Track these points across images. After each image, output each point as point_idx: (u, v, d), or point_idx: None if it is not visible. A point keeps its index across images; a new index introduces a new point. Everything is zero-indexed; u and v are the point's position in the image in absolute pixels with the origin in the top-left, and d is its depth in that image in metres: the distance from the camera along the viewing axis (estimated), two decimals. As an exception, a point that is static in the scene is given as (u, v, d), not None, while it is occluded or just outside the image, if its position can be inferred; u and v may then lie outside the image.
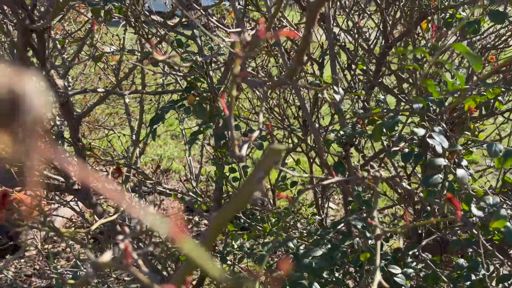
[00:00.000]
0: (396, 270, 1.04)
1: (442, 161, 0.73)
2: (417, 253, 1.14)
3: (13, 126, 0.13)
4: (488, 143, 0.69)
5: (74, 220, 2.80)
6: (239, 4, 1.27)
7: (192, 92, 1.19)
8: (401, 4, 1.50)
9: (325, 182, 0.58)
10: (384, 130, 0.87)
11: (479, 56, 0.70)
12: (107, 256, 0.42)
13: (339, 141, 1.13)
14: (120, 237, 0.49)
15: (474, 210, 0.72)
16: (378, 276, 0.53)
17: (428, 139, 0.73)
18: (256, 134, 0.65)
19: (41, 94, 0.13)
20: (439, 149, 0.70)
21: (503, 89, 0.81)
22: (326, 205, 1.84)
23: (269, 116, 1.98)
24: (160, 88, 2.40)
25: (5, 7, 0.95)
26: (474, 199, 0.81)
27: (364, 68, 1.61)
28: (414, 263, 1.19)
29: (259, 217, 1.54)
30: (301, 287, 0.98)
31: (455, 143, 0.75)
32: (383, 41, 1.65)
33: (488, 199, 0.71)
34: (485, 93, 0.93)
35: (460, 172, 0.73)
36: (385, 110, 1.07)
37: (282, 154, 0.44)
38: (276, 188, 1.88)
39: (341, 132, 1.12)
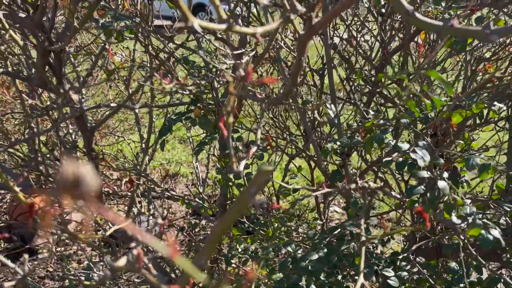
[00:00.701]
0: (389, 273, 1.10)
1: (424, 174, 0.80)
2: (410, 257, 1.20)
3: (76, 194, 0.22)
4: (467, 156, 0.75)
5: (85, 224, 2.89)
6: (241, 21, 1.34)
7: (198, 105, 1.27)
8: (396, 18, 1.56)
9: (313, 194, 0.65)
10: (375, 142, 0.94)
11: (450, 82, 0.77)
12: (123, 261, 0.49)
13: (335, 151, 1.20)
14: (133, 244, 0.57)
15: (454, 218, 0.78)
16: (361, 279, 0.59)
17: (411, 154, 0.79)
18: (254, 149, 0.72)
19: (92, 176, 0.22)
20: (421, 163, 0.77)
21: (486, 105, 0.88)
22: (327, 211, 1.91)
23: (271, 124, 2.05)
24: (169, 96, 2.48)
25: (26, 30, 1.03)
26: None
27: (364, 78, 1.67)
28: (409, 267, 1.25)
29: (262, 222, 1.61)
30: (299, 289, 1.05)
31: (437, 157, 0.81)
32: (382, 53, 1.71)
33: (465, 208, 0.77)
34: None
35: (441, 183, 0.79)
36: (381, 122, 1.14)
37: (271, 174, 0.51)
38: (280, 193, 1.95)
39: (338, 143, 1.19)
